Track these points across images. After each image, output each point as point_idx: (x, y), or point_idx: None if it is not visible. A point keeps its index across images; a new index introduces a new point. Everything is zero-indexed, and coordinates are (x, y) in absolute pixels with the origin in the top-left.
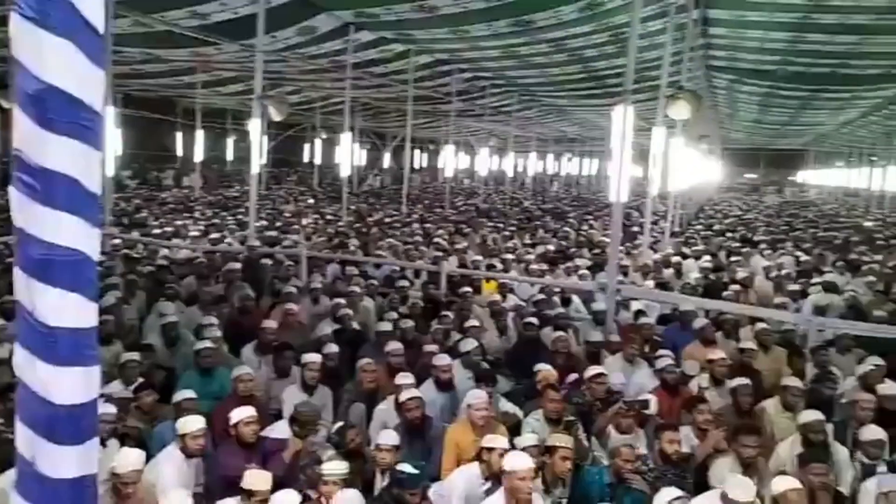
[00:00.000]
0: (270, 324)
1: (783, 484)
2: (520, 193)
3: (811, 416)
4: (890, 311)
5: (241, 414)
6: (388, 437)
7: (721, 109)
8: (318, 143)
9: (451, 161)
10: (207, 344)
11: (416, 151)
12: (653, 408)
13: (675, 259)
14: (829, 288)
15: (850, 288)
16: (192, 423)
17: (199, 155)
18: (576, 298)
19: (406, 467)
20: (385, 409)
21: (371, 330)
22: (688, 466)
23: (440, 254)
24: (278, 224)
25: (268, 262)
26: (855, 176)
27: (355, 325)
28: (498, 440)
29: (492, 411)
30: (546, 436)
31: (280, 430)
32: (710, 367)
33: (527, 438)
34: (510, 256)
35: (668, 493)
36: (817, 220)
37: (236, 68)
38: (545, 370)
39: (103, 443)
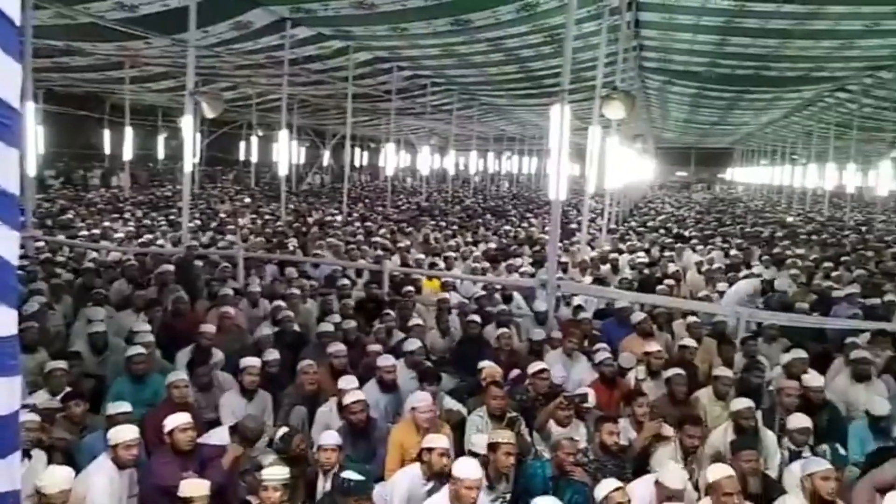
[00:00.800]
0: (208, 328)
1: (717, 472)
2: (461, 192)
3: (741, 403)
4: (811, 302)
5: (177, 420)
6: (330, 438)
7: (654, 109)
8: (254, 140)
9: (392, 159)
10: (139, 350)
11: (357, 150)
12: (591, 400)
13: (612, 255)
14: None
15: (777, 281)
16: (125, 433)
17: (128, 153)
18: (517, 295)
19: (351, 474)
20: (327, 411)
21: (312, 331)
22: (627, 457)
23: (382, 253)
24: (213, 224)
25: (200, 263)
26: (778, 173)
27: (296, 328)
28: (437, 440)
29: (436, 412)
30: (489, 432)
31: (218, 436)
32: (647, 360)
33: (480, 439)
34: (453, 254)
35: (608, 483)
36: (744, 216)
37: (167, 63)
38: (489, 367)
39: (28, 454)
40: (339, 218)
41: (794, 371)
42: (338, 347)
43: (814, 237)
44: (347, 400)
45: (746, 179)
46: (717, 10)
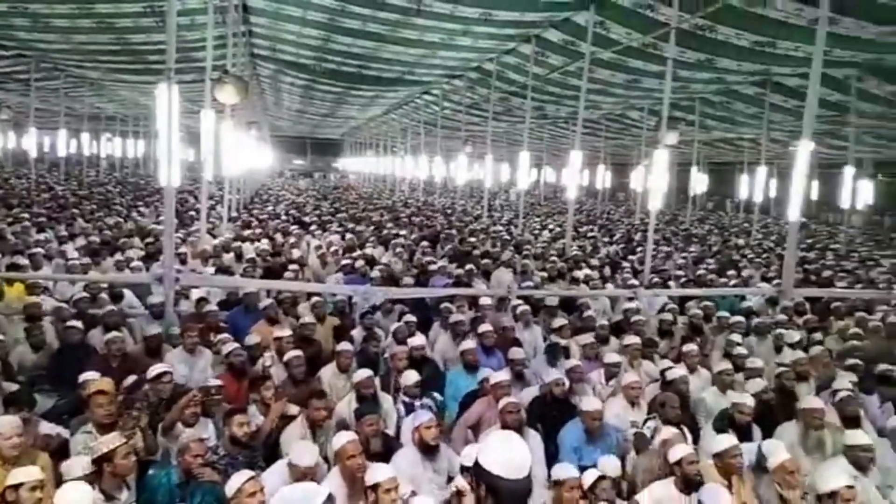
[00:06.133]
0: None
1: (341, 439)
2: (49, 177)
3: (361, 374)
4: (414, 276)
5: None
6: None
7: (268, 97)
8: None
9: None
10: None
11: None
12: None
13: (235, 244)
14: (369, 260)
15: (385, 260)
16: None
17: None
18: (128, 293)
19: None
20: None
21: None
22: (258, 444)
23: None
24: None
25: None
26: (383, 163)
27: None
28: (26, 474)
29: (29, 439)
30: (96, 443)
31: None
32: (277, 345)
33: (75, 464)
34: (41, 251)
35: (239, 476)
36: (357, 202)
37: None
38: (94, 378)
39: None
40: None
41: (401, 336)
42: None
43: (413, 219)
44: None
45: (357, 168)
46: (321, 6)
